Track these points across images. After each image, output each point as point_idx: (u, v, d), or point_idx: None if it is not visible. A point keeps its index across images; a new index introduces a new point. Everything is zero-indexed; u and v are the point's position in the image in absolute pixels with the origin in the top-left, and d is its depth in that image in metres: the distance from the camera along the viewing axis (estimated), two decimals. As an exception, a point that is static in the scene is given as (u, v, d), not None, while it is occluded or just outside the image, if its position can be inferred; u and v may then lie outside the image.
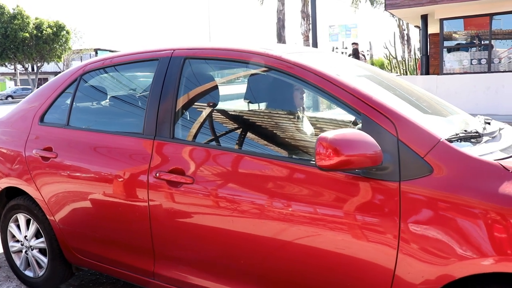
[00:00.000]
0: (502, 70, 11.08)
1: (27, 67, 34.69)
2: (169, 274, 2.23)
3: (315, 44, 13.15)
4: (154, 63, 2.38)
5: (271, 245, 1.88)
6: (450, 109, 2.60)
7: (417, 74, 14.21)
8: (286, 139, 2.12)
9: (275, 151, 2.05)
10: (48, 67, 41.95)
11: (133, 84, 2.81)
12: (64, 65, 40.90)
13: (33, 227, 2.86)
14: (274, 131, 2.18)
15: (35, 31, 31.07)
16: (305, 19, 18.01)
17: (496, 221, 1.50)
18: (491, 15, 10.88)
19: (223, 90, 2.36)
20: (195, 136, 2.21)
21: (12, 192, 2.97)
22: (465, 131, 1.85)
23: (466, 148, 1.69)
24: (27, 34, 30.39)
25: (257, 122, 2.27)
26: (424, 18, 11.98)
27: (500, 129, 2.18)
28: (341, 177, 1.74)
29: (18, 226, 2.97)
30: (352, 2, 29.36)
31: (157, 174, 2.14)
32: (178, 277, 2.20)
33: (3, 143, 2.95)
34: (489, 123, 2.26)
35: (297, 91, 2.25)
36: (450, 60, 11.85)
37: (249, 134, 2.22)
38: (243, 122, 2.30)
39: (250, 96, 2.39)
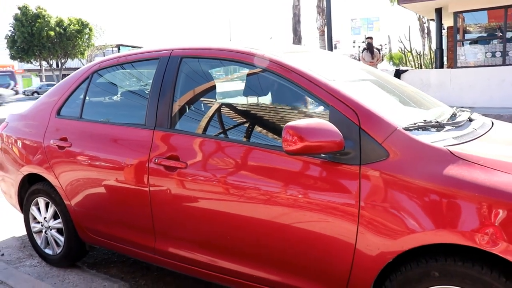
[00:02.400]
0: (517, 63, 11.03)
1: (51, 63, 35.64)
2: (168, 249, 2.51)
3: (329, 39, 13.27)
4: (155, 62, 2.66)
5: (252, 222, 2.13)
6: (432, 102, 2.80)
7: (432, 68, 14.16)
8: (266, 128, 2.37)
9: (256, 139, 2.30)
10: (72, 63, 42.97)
11: (137, 80, 3.10)
12: (87, 61, 41.83)
13: (51, 209, 3.19)
14: (255, 122, 2.43)
15: (58, 29, 31.91)
16: (321, 14, 18.09)
17: (439, 199, 1.72)
18: (506, 7, 10.81)
19: (215, 86, 2.63)
20: (189, 127, 2.48)
21: (33, 178, 3.30)
22: (424, 121, 2.06)
23: (421, 136, 1.91)
24: (52, 32, 31.26)
25: (241, 114, 2.53)
26: (438, 11, 11.97)
27: (470, 120, 2.38)
28: (310, 161, 1.98)
29: (39, 209, 3.30)
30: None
31: (156, 160, 2.42)
32: (176, 252, 2.48)
33: (25, 134, 3.28)
34: (457, 114, 2.45)
35: (276, 85, 2.49)
36: (464, 53, 11.83)
37: (234, 125, 2.48)
38: (230, 114, 2.56)
39: (238, 90, 2.65)
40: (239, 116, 2.52)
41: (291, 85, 2.17)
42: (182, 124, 2.50)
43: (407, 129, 1.92)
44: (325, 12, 12.36)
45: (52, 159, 3.00)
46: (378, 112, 1.94)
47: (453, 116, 2.40)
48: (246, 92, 2.72)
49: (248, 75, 2.60)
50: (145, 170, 2.47)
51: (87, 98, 3.03)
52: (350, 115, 1.94)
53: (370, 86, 2.73)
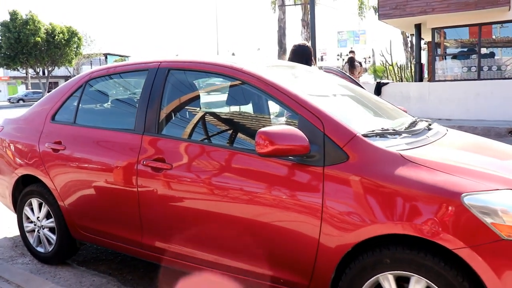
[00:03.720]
0: (490, 78, 11.52)
1: (38, 71, 35.54)
2: (154, 244, 2.75)
3: (314, 51, 13.66)
4: (145, 73, 2.92)
5: (229, 218, 2.39)
6: (399, 114, 3.09)
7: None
8: (243, 134, 2.63)
9: (235, 144, 2.56)
10: (59, 71, 42.90)
11: (127, 89, 3.35)
12: (74, 69, 41.80)
13: (44, 209, 3.40)
14: (234, 128, 2.70)
15: (46, 37, 31.91)
16: (305, 27, 18.60)
17: (390, 196, 1.99)
18: (480, 25, 11.34)
19: (199, 95, 2.90)
20: (174, 132, 2.75)
21: (27, 180, 3.51)
22: (382, 128, 2.35)
23: (378, 142, 2.19)
24: (39, 39, 31.25)
25: (221, 121, 2.80)
26: (418, 27, 12.46)
27: (428, 129, 2.69)
28: (281, 162, 2.25)
29: (32, 209, 3.51)
30: (359, 12, 29.76)
31: (144, 162, 2.66)
32: (161, 246, 2.72)
33: (21, 138, 3.50)
34: (416, 124, 2.75)
35: (253, 96, 2.78)
36: (442, 67, 12.31)
37: (215, 130, 2.74)
38: (211, 121, 2.82)
39: (218, 99, 2.93)
40: (220, 123, 2.79)
41: (265, 95, 2.45)
42: (168, 129, 2.76)
43: (365, 135, 2.20)
44: (309, 26, 12.75)
45: (46, 161, 3.23)
46: (340, 120, 2.22)
47: (412, 125, 2.69)
48: (227, 102, 3.00)
49: (229, 86, 2.87)
50: (134, 171, 2.72)
51: (80, 105, 3.27)
52: (316, 123, 2.22)
53: (340, 98, 3.03)
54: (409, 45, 31.58)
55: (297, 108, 2.29)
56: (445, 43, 12.50)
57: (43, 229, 3.44)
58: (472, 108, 11.29)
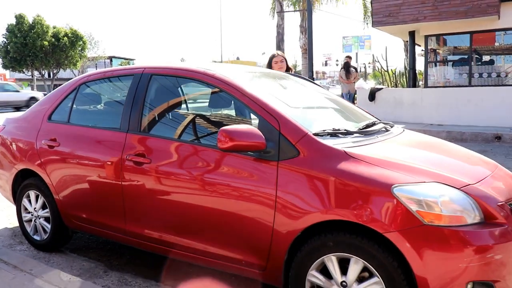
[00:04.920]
0: (481, 84, 11.81)
1: (43, 73, 36.07)
2: (135, 230, 3.07)
3: (311, 56, 14.00)
4: (131, 77, 3.27)
5: (199, 207, 2.71)
6: (367, 118, 3.39)
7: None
8: (211, 132, 2.96)
9: (204, 140, 2.88)
10: (64, 73, 43.47)
11: (116, 92, 3.70)
12: (79, 72, 42.34)
13: (40, 201, 3.74)
14: (204, 126, 3.04)
15: (52, 39, 32.42)
16: (304, 33, 18.94)
17: (333, 187, 2.31)
18: (471, 33, 11.64)
19: (177, 98, 3.25)
20: (154, 130, 3.08)
21: (25, 174, 3.85)
22: (333, 129, 2.67)
23: (327, 140, 2.51)
24: (45, 42, 31.76)
25: (194, 121, 3.12)
26: (412, 34, 12.76)
27: (386, 130, 3.01)
28: (243, 157, 2.57)
29: (29, 201, 3.85)
30: (364, 17, 30.05)
31: (128, 157, 3.00)
32: (140, 232, 3.04)
33: (20, 136, 3.85)
34: (374, 125, 3.06)
35: (222, 98, 3.11)
36: (434, 74, 12.61)
37: (189, 129, 3.07)
38: (186, 121, 3.15)
39: (193, 101, 3.28)
40: (193, 123, 3.12)
41: (232, 98, 2.78)
42: (149, 128, 3.09)
43: (316, 134, 2.52)
44: (307, 32, 13.10)
45: (43, 156, 3.57)
46: (294, 120, 2.55)
47: (367, 126, 3.01)
48: (200, 104, 3.35)
49: (203, 90, 3.21)
50: (119, 165, 3.05)
51: (74, 105, 3.61)
52: (273, 122, 2.54)
53: (305, 102, 3.36)
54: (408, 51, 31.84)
55: (257, 109, 2.62)
56: (437, 50, 12.80)
57: (39, 218, 3.77)
58: (463, 114, 11.55)
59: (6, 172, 4.00)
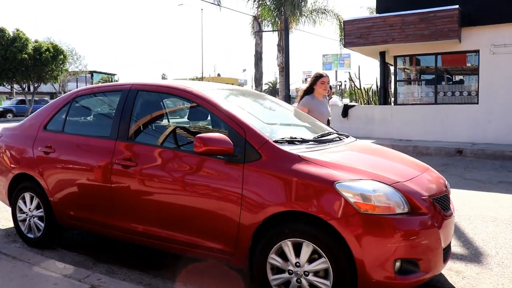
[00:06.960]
0: (445, 103, 12.60)
1: (24, 87, 36.00)
2: (122, 225, 3.53)
3: (287, 74, 14.68)
4: (120, 93, 3.76)
5: (177, 203, 3.19)
6: (324, 129, 3.95)
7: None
8: (189, 139, 3.46)
9: (183, 147, 3.38)
10: (45, 87, 43.40)
11: (106, 105, 4.18)
12: (60, 86, 42.35)
13: (35, 201, 4.16)
14: (183, 135, 3.55)
15: (33, 53, 32.48)
16: (281, 52, 19.70)
17: (288, 184, 2.82)
18: (436, 54, 12.47)
19: (159, 111, 3.76)
20: (140, 138, 3.57)
21: (20, 178, 4.27)
22: (291, 137, 3.20)
23: (284, 146, 3.03)
24: (25, 56, 31.81)
25: (175, 130, 3.62)
26: (382, 54, 13.56)
27: (339, 139, 3.57)
28: (215, 160, 3.07)
29: (25, 202, 4.26)
30: (340, 38, 31.15)
31: (116, 161, 3.48)
32: (128, 226, 3.50)
33: (17, 143, 4.29)
34: (328, 135, 3.62)
35: (199, 110, 3.64)
36: (403, 92, 13.39)
37: (170, 137, 3.57)
38: (167, 130, 3.64)
39: (174, 113, 3.79)
40: (173, 132, 3.61)
41: (206, 111, 3.31)
42: (135, 136, 3.58)
43: (276, 141, 3.05)
44: (284, 51, 13.76)
45: (39, 162, 4.01)
46: (257, 130, 3.07)
47: (322, 136, 3.56)
48: (181, 116, 3.86)
49: (183, 104, 3.73)
50: (108, 170, 3.52)
51: (68, 116, 4.08)
52: (240, 131, 3.06)
53: (276, 117, 3.91)
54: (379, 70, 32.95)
55: (227, 120, 3.15)
56: (406, 70, 13.60)
57: (34, 218, 4.19)
58: (430, 130, 12.30)
59: (3, 177, 4.41)
